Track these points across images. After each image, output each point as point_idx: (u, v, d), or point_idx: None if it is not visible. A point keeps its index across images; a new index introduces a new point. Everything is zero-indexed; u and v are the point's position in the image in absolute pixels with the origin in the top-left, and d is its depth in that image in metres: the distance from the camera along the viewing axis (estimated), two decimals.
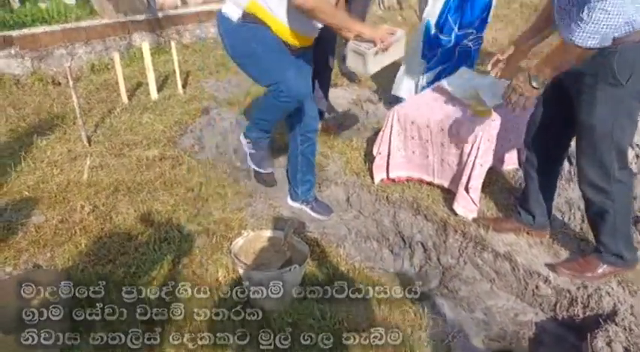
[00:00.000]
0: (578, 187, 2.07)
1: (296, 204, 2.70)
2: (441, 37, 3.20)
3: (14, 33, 4.32)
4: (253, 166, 2.45)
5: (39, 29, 4.51)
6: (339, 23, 1.96)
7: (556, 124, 2.06)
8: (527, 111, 2.05)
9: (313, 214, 2.67)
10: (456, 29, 3.16)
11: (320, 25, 2.09)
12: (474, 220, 2.48)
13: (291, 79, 2.02)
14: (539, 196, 2.26)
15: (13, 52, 4.26)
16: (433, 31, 3.20)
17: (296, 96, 2.07)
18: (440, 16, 3.14)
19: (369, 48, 1.99)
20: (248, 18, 1.99)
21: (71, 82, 3.02)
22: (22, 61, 4.30)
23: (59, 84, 4.26)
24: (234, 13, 2.01)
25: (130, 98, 3.94)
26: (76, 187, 2.68)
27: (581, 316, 2.01)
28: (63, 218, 2.41)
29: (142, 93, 4.07)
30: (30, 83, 4.20)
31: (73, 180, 2.75)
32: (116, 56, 3.80)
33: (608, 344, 1.73)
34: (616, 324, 1.82)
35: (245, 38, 2.04)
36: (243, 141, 2.38)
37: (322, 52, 2.87)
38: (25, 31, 4.43)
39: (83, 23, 4.84)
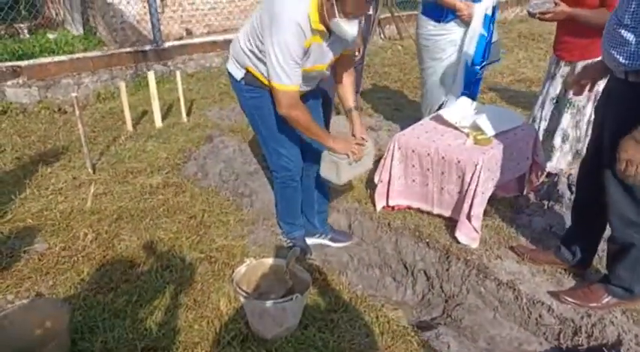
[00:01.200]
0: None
1: (313, 240, 2.67)
2: (475, 70, 3.39)
3: (22, 63, 4.43)
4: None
5: (46, 59, 4.61)
6: (314, 136, 2.10)
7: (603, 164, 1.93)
8: None
9: (334, 244, 2.68)
10: (483, 61, 3.37)
11: (317, 79, 2.20)
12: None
13: (282, 154, 2.24)
14: (583, 235, 2.22)
15: (20, 81, 4.36)
16: (470, 66, 3.35)
17: (288, 168, 2.27)
18: (475, 53, 3.30)
19: (343, 158, 2.14)
20: (249, 78, 2.11)
21: (77, 111, 3.08)
22: (30, 90, 4.39)
23: (65, 112, 4.33)
24: (237, 73, 2.15)
25: (134, 126, 4.00)
26: (80, 215, 2.70)
27: (586, 346, 1.99)
28: (66, 246, 2.42)
29: (147, 122, 4.14)
30: (36, 112, 4.28)
31: (76, 207, 2.77)
32: (122, 85, 3.88)
33: None
34: None
35: (248, 104, 2.20)
36: (284, 237, 2.57)
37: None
38: (33, 61, 4.54)
39: (90, 53, 4.96)
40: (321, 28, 1.89)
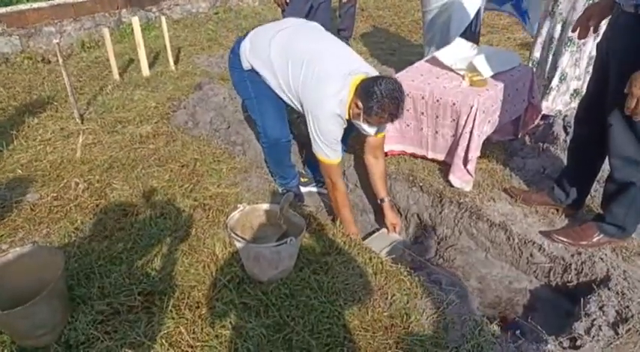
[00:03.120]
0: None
1: (308, 189, 2.76)
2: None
3: (0, 10, 4.23)
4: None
5: (25, 6, 4.40)
6: (341, 215, 2.28)
7: (604, 102, 1.88)
8: None
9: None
10: None
11: None
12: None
13: (266, 121, 2.37)
14: (578, 175, 2.20)
15: (0, 30, 4.18)
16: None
17: (270, 137, 2.40)
18: None
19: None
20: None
21: (61, 60, 2.96)
22: (10, 39, 4.22)
23: (49, 62, 4.19)
24: (245, 63, 2.27)
25: (121, 75, 3.89)
26: (70, 165, 2.66)
27: (575, 282, 2.04)
28: (58, 195, 2.40)
29: (134, 70, 4.02)
30: (19, 61, 4.14)
31: (66, 157, 2.73)
32: (106, 32, 3.72)
33: (601, 308, 1.76)
34: (609, 289, 1.84)
35: (244, 75, 2.31)
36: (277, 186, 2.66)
37: None
38: (11, 8, 4.33)
39: None
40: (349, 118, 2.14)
